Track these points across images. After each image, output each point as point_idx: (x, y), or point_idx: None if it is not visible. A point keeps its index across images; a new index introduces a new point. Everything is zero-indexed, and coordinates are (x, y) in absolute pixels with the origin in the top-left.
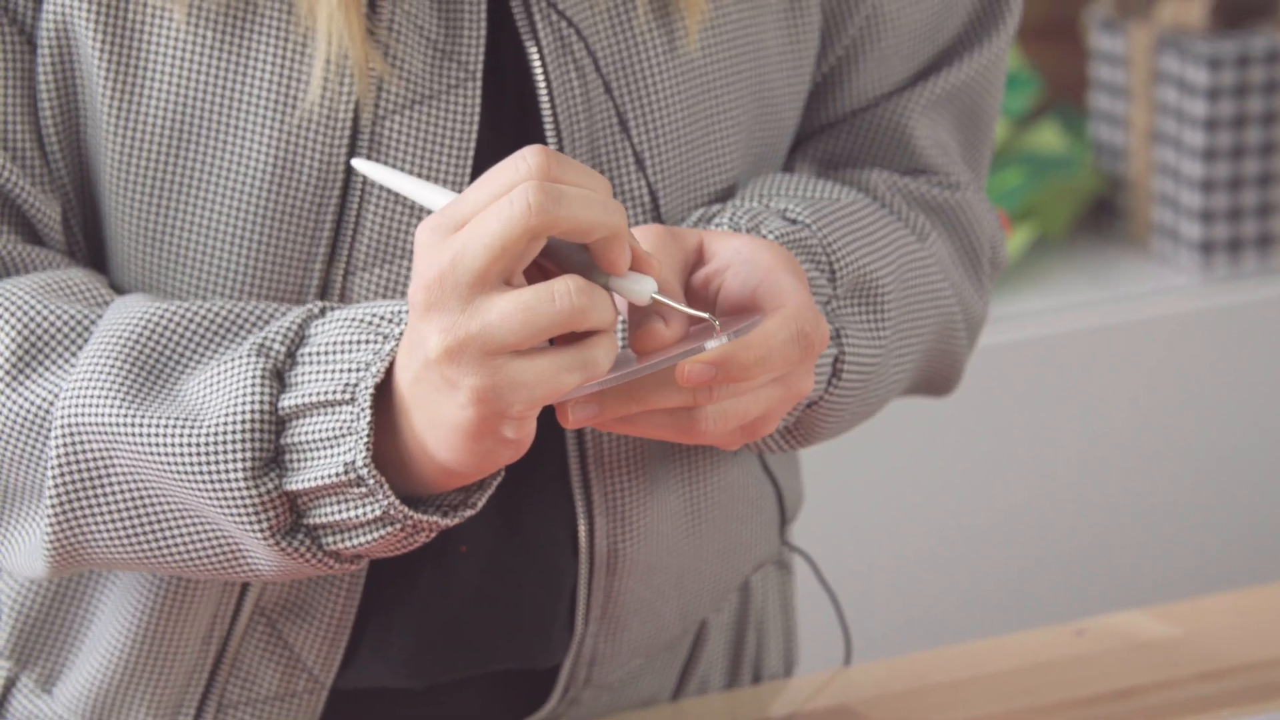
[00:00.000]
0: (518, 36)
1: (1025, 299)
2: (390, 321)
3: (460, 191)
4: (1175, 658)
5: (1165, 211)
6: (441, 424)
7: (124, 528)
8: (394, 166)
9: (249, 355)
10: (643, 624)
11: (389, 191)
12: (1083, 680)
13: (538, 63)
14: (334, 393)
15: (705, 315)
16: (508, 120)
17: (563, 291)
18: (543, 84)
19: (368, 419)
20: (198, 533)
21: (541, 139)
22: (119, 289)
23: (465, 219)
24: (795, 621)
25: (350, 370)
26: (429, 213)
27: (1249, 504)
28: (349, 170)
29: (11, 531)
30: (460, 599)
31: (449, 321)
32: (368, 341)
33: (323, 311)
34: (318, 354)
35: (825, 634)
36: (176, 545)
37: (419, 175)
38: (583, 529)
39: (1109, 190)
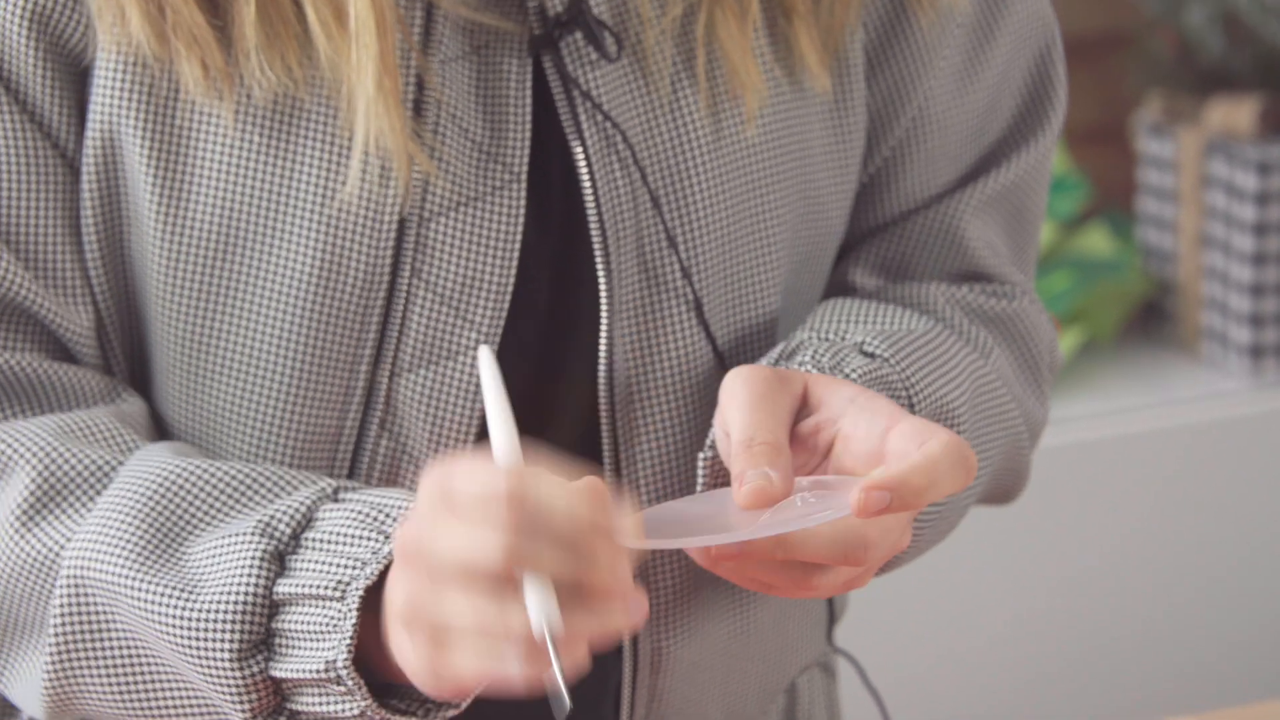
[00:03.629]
0: (564, 136)
1: (1073, 403)
2: (392, 519)
3: (506, 294)
4: None
5: (1214, 316)
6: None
7: (118, 685)
8: (439, 268)
9: (253, 534)
10: None
11: (434, 292)
12: None
13: (583, 164)
14: (326, 587)
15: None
16: (554, 221)
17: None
18: (588, 185)
19: (353, 620)
20: (188, 700)
21: (587, 240)
22: (161, 398)
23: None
24: None
25: (345, 566)
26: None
27: None
28: (394, 272)
29: (18, 666)
30: (508, 698)
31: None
32: (367, 539)
33: (335, 493)
34: (320, 541)
35: None
36: (167, 709)
37: (464, 276)
38: None
39: (1157, 294)
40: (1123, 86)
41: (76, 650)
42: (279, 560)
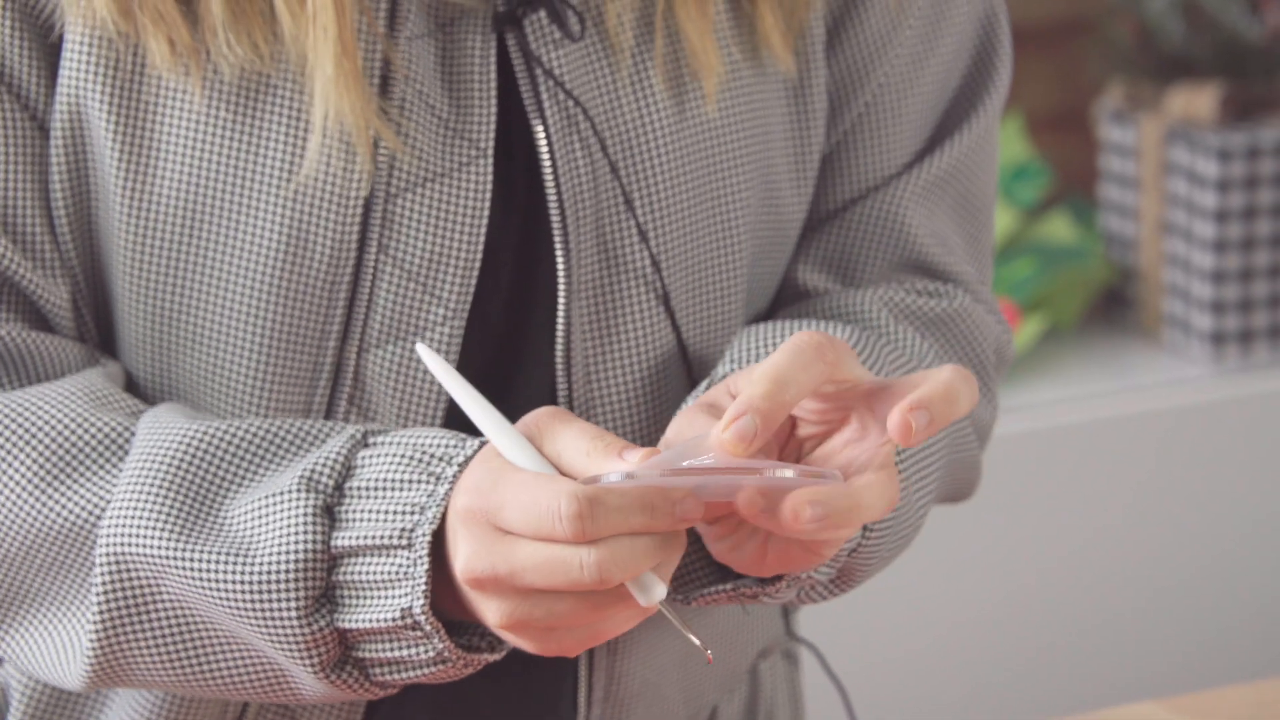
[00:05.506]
0: (526, 114)
1: (1036, 390)
2: (442, 460)
3: (473, 270)
4: None
5: (1176, 302)
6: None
7: (169, 654)
8: (407, 244)
9: (298, 490)
10: (647, 707)
11: (401, 268)
12: None
13: (544, 141)
14: (390, 536)
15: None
16: (518, 199)
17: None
18: (548, 163)
19: (425, 566)
20: (243, 659)
21: (547, 217)
22: (129, 373)
23: (511, 527)
24: (804, 714)
25: (404, 513)
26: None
27: (1260, 595)
28: (361, 247)
29: (35, 637)
30: (474, 679)
31: (507, 606)
32: (420, 482)
33: (365, 438)
34: (367, 489)
35: None
36: (222, 671)
37: (431, 252)
38: None
39: (1119, 281)
40: (1084, 73)
41: (124, 626)
42: (328, 514)
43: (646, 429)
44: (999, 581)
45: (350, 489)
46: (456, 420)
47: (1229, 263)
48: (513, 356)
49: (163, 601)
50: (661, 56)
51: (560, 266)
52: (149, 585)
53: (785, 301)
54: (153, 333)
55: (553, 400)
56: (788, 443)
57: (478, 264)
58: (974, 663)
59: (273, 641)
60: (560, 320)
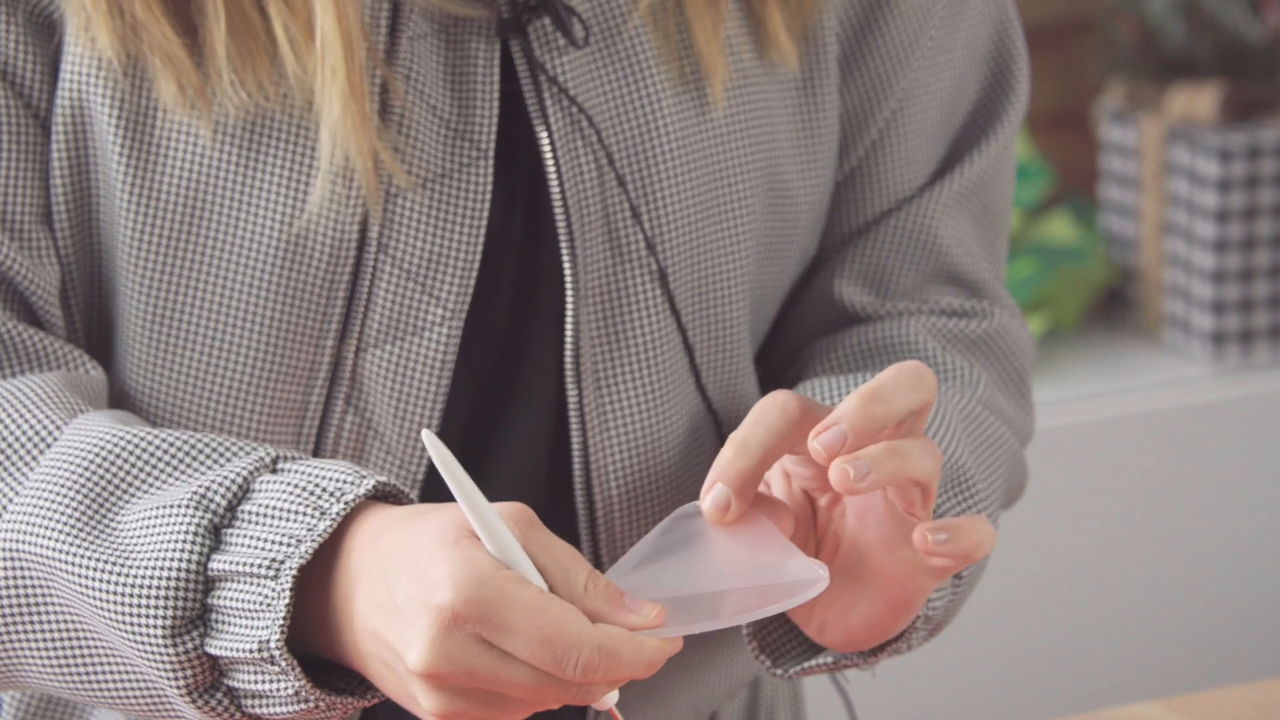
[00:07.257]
0: (530, 121)
1: (1036, 390)
2: (331, 495)
3: (472, 271)
4: None
5: (1176, 302)
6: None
7: (57, 659)
8: (406, 243)
9: (188, 506)
10: (653, 710)
11: (400, 268)
12: None
13: (548, 146)
14: (260, 565)
15: None
16: (520, 200)
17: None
18: (552, 167)
19: (286, 600)
20: (126, 675)
21: (553, 224)
22: (124, 369)
23: (516, 654)
24: (805, 716)
25: (280, 544)
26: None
27: (1260, 595)
28: (361, 246)
29: None
30: None
31: (459, 704)
32: (303, 514)
33: (274, 463)
34: (256, 515)
35: None
36: (106, 684)
37: (431, 252)
38: None
39: (1120, 281)
40: (1085, 73)
41: (15, 623)
42: (214, 534)
43: (656, 435)
44: (999, 582)
45: (243, 512)
46: (453, 423)
47: (1230, 263)
48: (516, 363)
49: (53, 604)
50: (669, 59)
51: (568, 272)
52: (40, 585)
53: (822, 318)
54: (150, 329)
55: (561, 407)
56: (816, 521)
57: (476, 265)
58: (974, 663)
59: (143, 657)
60: (569, 327)
